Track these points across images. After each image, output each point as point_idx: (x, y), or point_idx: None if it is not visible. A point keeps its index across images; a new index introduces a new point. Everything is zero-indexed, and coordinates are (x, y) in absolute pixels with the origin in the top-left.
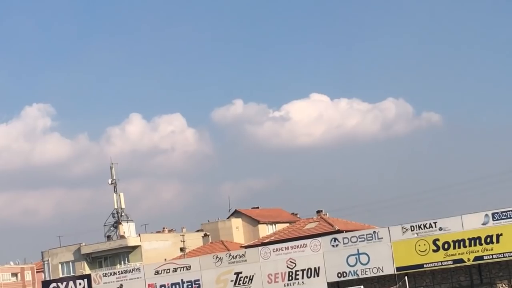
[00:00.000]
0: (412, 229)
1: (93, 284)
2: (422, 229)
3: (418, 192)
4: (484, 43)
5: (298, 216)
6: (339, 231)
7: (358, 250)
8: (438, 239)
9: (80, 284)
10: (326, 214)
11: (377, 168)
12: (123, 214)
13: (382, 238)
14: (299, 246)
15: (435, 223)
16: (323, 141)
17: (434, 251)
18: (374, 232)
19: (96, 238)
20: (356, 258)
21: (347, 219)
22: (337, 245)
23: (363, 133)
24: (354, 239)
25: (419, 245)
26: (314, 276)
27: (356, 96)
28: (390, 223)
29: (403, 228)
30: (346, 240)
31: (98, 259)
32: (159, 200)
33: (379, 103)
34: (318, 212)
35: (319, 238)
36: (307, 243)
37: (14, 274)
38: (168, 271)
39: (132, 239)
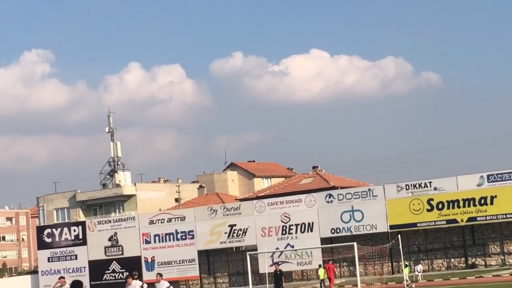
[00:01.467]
0: (407, 188)
1: (88, 231)
2: (417, 188)
3: (414, 151)
4: (487, 3)
5: (293, 171)
6: (334, 188)
7: (352, 207)
8: (432, 199)
9: (74, 231)
10: (321, 170)
11: (374, 126)
12: (119, 163)
13: (376, 196)
14: (294, 201)
15: (430, 182)
16: (321, 98)
17: (428, 210)
18: (369, 189)
19: (91, 186)
20: (350, 215)
21: (343, 176)
22: (331, 201)
23: (362, 91)
24: (349, 196)
25: (413, 204)
26: (307, 231)
27: (356, 54)
28: (385, 182)
29: (398, 186)
30: (341, 197)
31: (93, 207)
32: (155, 150)
33: (378, 61)
34: (314, 168)
35: (314, 194)
36: (302, 198)
37: (9, 219)
38: (162, 221)
39: (127, 188)
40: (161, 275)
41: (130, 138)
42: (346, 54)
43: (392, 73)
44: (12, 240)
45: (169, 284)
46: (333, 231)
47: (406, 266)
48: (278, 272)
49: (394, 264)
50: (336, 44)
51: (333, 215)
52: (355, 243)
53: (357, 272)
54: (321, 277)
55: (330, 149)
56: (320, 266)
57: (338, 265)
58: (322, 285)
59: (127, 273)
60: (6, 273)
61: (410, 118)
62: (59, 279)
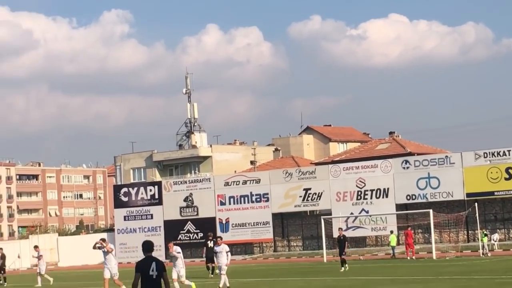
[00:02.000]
0: (485, 156)
1: (163, 191)
2: (495, 156)
3: (492, 119)
4: None
5: (369, 136)
6: (410, 154)
7: (429, 173)
8: (511, 168)
9: (150, 190)
10: (398, 136)
11: (453, 92)
12: (195, 124)
13: (454, 163)
14: (370, 166)
15: (509, 151)
16: (399, 63)
17: (506, 179)
18: (446, 157)
19: (168, 146)
20: (426, 181)
21: (420, 142)
22: (408, 168)
23: (440, 57)
24: (425, 163)
25: (491, 173)
26: (383, 197)
27: (436, 19)
28: (463, 149)
29: (476, 154)
30: (417, 163)
31: (169, 167)
32: (231, 113)
33: (458, 27)
34: (391, 133)
35: (390, 160)
36: (377, 164)
37: (86, 177)
38: (237, 183)
39: (203, 149)
40: (221, 238)
41: (207, 100)
42: (425, 19)
43: (472, 39)
44: (89, 198)
45: (228, 249)
46: (408, 197)
47: (485, 235)
48: (342, 238)
49: (469, 232)
50: (416, 9)
51: (409, 182)
52: (431, 210)
53: (432, 239)
54: (392, 243)
55: (407, 115)
56: (391, 232)
57: (413, 232)
58: (393, 251)
59: (202, 234)
60: (83, 230)
61: (489, 85)
62: (100, 239)
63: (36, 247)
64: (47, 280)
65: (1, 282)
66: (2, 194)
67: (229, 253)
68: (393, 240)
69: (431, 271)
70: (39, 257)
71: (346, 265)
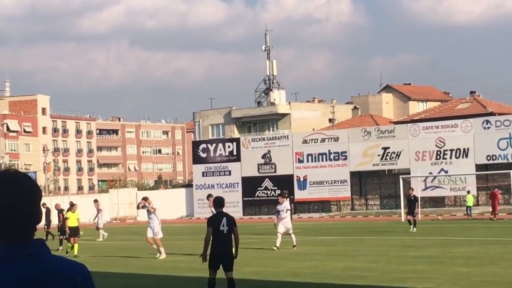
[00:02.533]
0: None
1: (242, 148)
2: None
3: None
4: None
5: (449, 95)
6: (491, 114)
7: (510, 134)
8: None
9: (229, 147)
10: (479, 96)
11: None
12: (274, 81)
13: None
14: (450, 126)
15: None
16: (481, 21)
17: None
18: None
19: (246, 103)
20: (507, 142)
21: (501, 102)
22: (488, 128)
23: None
24: (507, 123)
25: None
26: (462, 157)
27: None
28: None
29: None
30: (498, 123)
31: (247, 124)
32: (310, 70)
33: None
34: (471, 93)
35: (470, 119)
36: (458, 123)
37: (165, 133)
38: (316, 141)
39: (282, 107)
40: (282, 196)
41: (286, 57)
42: None
43: None
44: (167, 154)
45: (290, 207)
46: (488, 158)
47: None
48: (412, 198)
49: None
50: None
51: (489, 142)
52: (511, 171)
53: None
54: (469, 203)
55: (488, 74)
56: (468, 192)
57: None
58: (469, 211)
59: (279, 191)
60: (161, 185)
61: None
62: (142, 199)
63: (95, 201)
64: (102, 235)
65: (53, 238)
66: (83, 148)
67: (289, 211)
68: (469, 200)
69: (511, 232)
70: (98, 212)
71: (415, 227)
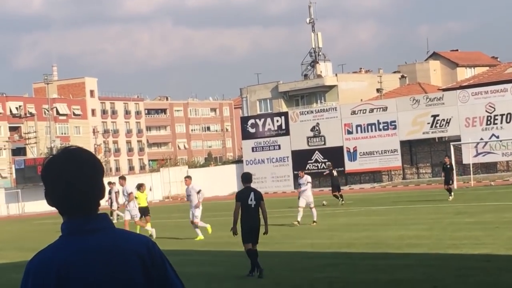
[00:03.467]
0: None
1: (290, 122)
2: None
3: None
4: None
5: (498, 60)
6: None
7: None
8: None
9: (277, 121)
10: None
11: None
12: (320, 53)
13: None
14: (499, 91)
15: None
16: None
17: None
18: None
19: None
20: None
21: None
22: None
23: None
24: None
25: None
26: None
27: None
28: None
29: None
30: None
31: (294, 97)
32: (356, 41)
33: None
34: None
35: None
36: (507, 88)
37: (213, 110)
38: (364, 111)
39: (329, 79)
40: (302, 170)
41: (331, 29)
42: None
43: None
44: (216, 131)
45: (310, 180)
46: None
47: None
48: (448, 166)
49: None
50: None
51: None
52: None
53: None
54: None
55: None
56: None
57: None
58: None
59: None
60: (211, 162)
61: None
62: (185, 178)
63: (110, 183)
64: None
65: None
66: (132, 128)
67: (309, 184)
68: None
69: None
70: (115, 194)
71: (452, 194)
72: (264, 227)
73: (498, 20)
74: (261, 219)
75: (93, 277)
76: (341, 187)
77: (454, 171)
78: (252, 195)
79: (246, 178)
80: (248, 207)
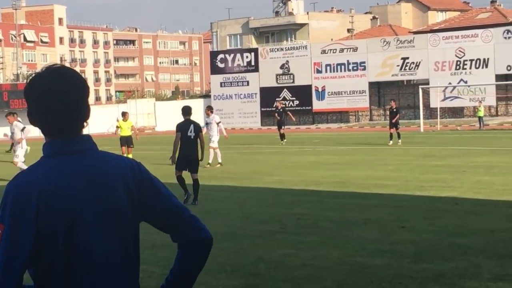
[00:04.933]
0: None
1: (260, 58)
2: None
3: None
4: None
5: (470, 5)
6: None
7: None
8: None
9: (247, 57)
10: (500, 5)
11: None
12: None
13: None
14: (470, 36)
15: None
16: None
17: None
18: None
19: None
20: None
21: None
22: (509, 38)
23: None
24: None
25: None
26: (482, 67)
27: None
28: None
29: None
30: None
31: (265, 34)
32: None
33: None
34: (492, 2)
35: (491, 29)
36: (478, 33)
37: (182, 43)
38: (334, 51)
39: (300, 17)
40: (210, 108)
41: None
42: None
43: None
44: (185, 64)
45: (219, 120)
46: (509, 68)
47: None
48: (395, 109)
49: None
50: None
51: (510, 52)
52: None
53: None
54: (480, 114)
55: None
56: (480, 103)
57: (511, 102)
58: (481, 121)
59: (297, 102)
60: (179, 96)
61: None
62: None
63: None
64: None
65: None
66: (100, 58)
67: (220, 124)
68: (481, 111)
69: None
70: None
71: (400, 140)
72: (201, 154)
73: None
74: (199, 150)
75: (76, 198)
76: (308, 126)
77: (399, 115)
78: (192, 127)
79: (186, 111)
80: (188, 138)
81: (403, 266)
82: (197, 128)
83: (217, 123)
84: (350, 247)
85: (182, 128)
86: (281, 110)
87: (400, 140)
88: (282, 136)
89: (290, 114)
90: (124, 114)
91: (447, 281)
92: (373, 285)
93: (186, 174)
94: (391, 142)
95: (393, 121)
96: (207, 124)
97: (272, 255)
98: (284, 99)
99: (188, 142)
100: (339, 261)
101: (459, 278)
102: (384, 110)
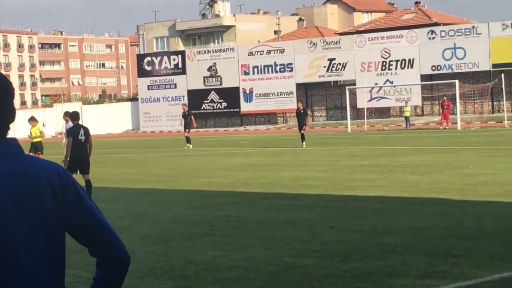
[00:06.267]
0: None
1: (187, 61)
2: None
3: None
4: None
5: (394, 6)
6: (436, 24)
7: (454, 44)
8: None
9: (174, 59)
10: (424, 6)
11: None
12: None
13: (480, 33)
14: (395, 37)
15: None
16: None
17: None
18: (473, 27)
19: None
20: (452, 52)
21: (446, 12)
22: (433, 38)
23: None
24: (451, 33)
25: None
26: (408, 68)
27: None
28: (489, 19)
29: (503, 24)
30: (443, 34)
31: (192, 37)
32: None
33: None
34: (416, 3)
35: (415, 30)
36: (403, 34)
37: (109, 46)
38: (261, 53)
39: (227, 19)
40: (67, 114)
41: None
42: None
43: None
44: (111, 67)
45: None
46: (433, 68)
47: None
48: (302, 111)
49: (494, 103)
50: None
51: (434, 52)
52: (456, 81)
53: (457, 110)
54: (406, 114)
55: None
56: (407, 103)
57: (437, 102)
58: (407, 121)
59: (225, 104)
60: (106, 99)
61: None
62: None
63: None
64: None
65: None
66: (25, 62)
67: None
68: (407, 111)
69: (456, 141)
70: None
71: (304, 142)
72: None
73: None
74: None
75: (1, 203)
76: (237, 128)
77: (307, 117)
78: (82, 131)
79: (75, 116)
80: (79, 141)
81: (332, 266)
82: (87, 132)
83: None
84: (279, 247)
85: (73, 132)
86: (186, 113)
87: (304, 143)
88: (188, 140)
89: (193, 119)
90: (30, 119)
91: (375, 279)
92: (302, 284)
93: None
94: (303, 144)
95: (304, 123)
96: (67, 131)
97: (201, 257)
98: (212, 101)
99: (79, 146)
100: (268, 262)
101: (387, 276)
102: (312, 111)
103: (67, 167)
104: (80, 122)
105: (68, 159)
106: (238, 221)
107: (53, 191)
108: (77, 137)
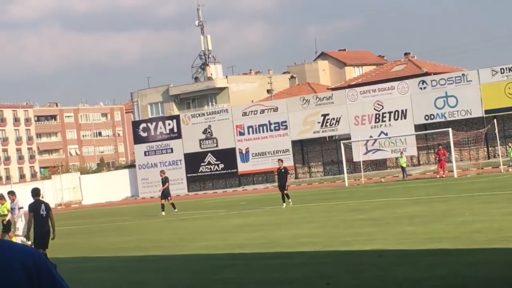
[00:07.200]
0: (502, 71)
1: (182, 125)
2: None
3: (507, 34)
4: None
5: (385, 58)
6: (427, 74)
7: (446, 92)
8: None
9: (169, 124)
10: (414, 57)
11: (467, 8)
12: (210, 56)
13: (471, 80)
14: (387, 89)
15: None
16: None
17: None
18: (463, 74)
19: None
20: (444, 100)
21: (436, 61)
22: (425, 88)
23: None
24: (442, 82)
25: (509, 88)
26: (401, 119)
27: None
28: (479, 66)
29: (492, 70)
30: (434, 83)
31: (186, 100)
32: (245, 42)
33: None
34: (406, 54)
35: (406, 81)
36: (394, 86)
37: (104, 115)
38: (255, 112)
39: (219, 81)
40: (11, 193)
41: (220, 31)
42: None
43: None
44: (108, 136)
45: (22, 206)
46: (427, 117)
47: None
48: (283, 170)
49: (489, 149)
50: None
51: (426, 102)
52: (450, 129)
53: (452, 158)
54: (402, 164)
55: (421, 35)
56: (402, 153)
57: (432, 151)
58: (404, 172)
59: (222, 165)
60: (104, 168)
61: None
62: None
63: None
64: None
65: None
66: (22, 136)
67: (22, 210)
68: (402, 161)
69: (453, 189)
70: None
71: (290, 200)
72: (52, 233)
73: (383, 19)
74: (50, 226)
75: None
76: (235, 189)
77: (288, 176)
78: (43, 206)
79: (35, 192)
80: (40, 216)
81: None
82: (47, 207)
83: (19, 209)
84: None
85: (34, 208)
86: (164, 179)
87: (290, 200)
88: (173, 205)
89: (167, 185)
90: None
91: None
92: None
93: None
94: (290, 203)
95: (285, 183)
96: (12, 209)
97: None
98: (209, 163)
99: (41, 220)
100: None
101: None
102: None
103: (33, 241)
104: (40, 198)
105: (30, 233)
106: (236, 282)
107: (28, 274)
108: (39, 212)
